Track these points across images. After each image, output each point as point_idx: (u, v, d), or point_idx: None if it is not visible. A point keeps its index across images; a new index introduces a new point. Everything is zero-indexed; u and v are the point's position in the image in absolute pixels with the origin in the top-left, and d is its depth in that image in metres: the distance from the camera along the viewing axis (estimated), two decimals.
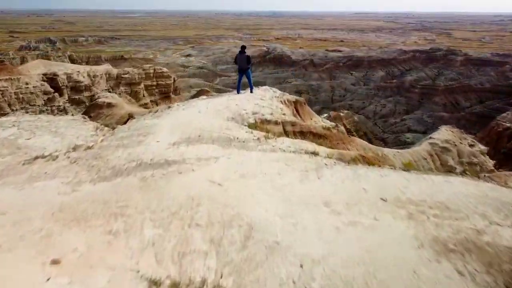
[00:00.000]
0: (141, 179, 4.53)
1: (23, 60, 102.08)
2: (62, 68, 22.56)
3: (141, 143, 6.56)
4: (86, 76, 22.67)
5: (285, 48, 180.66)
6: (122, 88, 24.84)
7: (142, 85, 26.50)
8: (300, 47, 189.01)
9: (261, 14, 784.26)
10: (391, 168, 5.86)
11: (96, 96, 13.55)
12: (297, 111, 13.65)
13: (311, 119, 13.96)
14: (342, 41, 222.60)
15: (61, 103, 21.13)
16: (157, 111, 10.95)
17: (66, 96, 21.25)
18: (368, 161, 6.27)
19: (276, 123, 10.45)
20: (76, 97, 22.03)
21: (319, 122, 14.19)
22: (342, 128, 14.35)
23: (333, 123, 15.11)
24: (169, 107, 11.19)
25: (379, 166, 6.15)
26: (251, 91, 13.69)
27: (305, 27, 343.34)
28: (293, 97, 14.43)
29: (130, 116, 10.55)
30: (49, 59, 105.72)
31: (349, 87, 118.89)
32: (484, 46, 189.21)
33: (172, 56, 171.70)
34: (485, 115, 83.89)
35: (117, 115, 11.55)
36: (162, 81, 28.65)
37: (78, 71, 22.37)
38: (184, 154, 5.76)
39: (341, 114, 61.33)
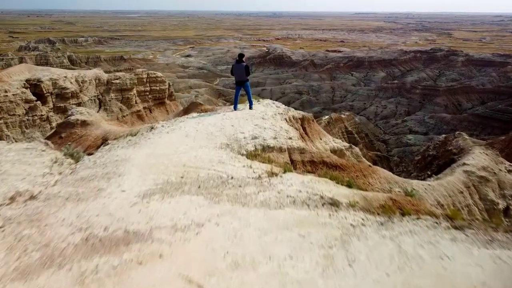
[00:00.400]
0: (78, 278, 2.94)
1: (21, 61, 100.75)
2: (48, 74, 20.58)
3: (100, 193, 4.91)
4: (74, 81, 20.84)
5: (285, 49, 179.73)
6: (112, 95, 23.05)
7: (134, 91, 24.67)
8: (301, 48, 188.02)
9: (261, 14, 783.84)
10: (436, 223, 4.30)
11: (69, 112, 11.72)
12: (304, 129, 11.57)
13: (321, 139, 11.79)
14: (342, 41, 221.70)
15: (43, 112, 19.41)
16: (137, 132, 9.20)
17: (50, 104, 19.47)
18: (400, 207, 4.70)
19: (280, 150, 8.60)
20: (62, 105, 20.18)
21: (329, 142, 12.10)
22: (357, 150, 12.26)
23: (346, 144, 12.95)
24: (152, 127, 9.33)
25: (418, 215, 4.59)
26: (250, 107, 11.72)
27: (305, 28, 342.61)
28: (299, 113, 12.35)
29: (104, 140, 8.74)
30: (48, 60, 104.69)
31: (350, 88, 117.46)
32: (484, 46, 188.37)
33: (172, 57, 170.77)
34: (487, 117, 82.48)
35: (92, 136, 9.60)
36: (156, 86, 26.80)
37: (65, 76, 20.53)
38: (154, 218, 4.17)
39: (343, 116, 59.82)
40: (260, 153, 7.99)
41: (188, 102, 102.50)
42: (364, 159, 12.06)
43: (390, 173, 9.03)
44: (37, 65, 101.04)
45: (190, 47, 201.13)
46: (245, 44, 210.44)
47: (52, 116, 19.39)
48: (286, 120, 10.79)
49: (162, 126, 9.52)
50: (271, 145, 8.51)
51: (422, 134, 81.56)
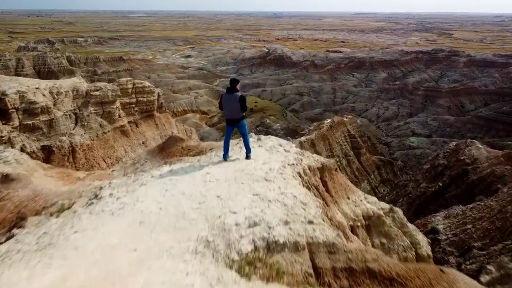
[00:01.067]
0: None
1: (19, 61, 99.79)
2: (15, 85, 17.75)
3: None
4: (47, 93, 18.19)
5: (286, 49, 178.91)
6: (91, 108, 20.03)
7: (117, 104, 21.76)
8: (301, 48, 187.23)
9: (261, 14, 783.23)
10: None
11: None
12: (324, 184, 8.36)
13: (348, 198, 8.59)
14: (343, 41, 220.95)
15: (4, 133, 16.38)
16: (71, 205, 6.06)
17: (16, 122, 16.68)
18: None
19: (296, 248, 5.12)
20: (30, 122, 17.55)
21: (361, 202, 8.83)
22: (400, 214, 9.04)
23: (384, 206, 9.41)
24: (96, 196, 6.20)
25: None
26: (247, 156, 7.94)
27: (305, 28, 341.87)
28: (317, 160, 8.55)
29: (20, 219, 5.75)
30: (46, 60, 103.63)
31: (351, 89, 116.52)
32: (486, 47, 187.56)
33: (171, 57, 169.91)
34: (491, 119, 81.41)
35: (13, 202, 6.85)
36: (144, 97, 23.97)
37: (37, 88, 17.55)
38: None
39: (345, 119, 58.67)
40: (263, 256, 4.86)
41: (188, 104, 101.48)
42: (409, 225, 8.47)
43: (474, 282, 5.53)
44: (35, 66, 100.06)
45: (190, 48, 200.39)
46: (245, 45, 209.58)
47: (15, 137, 16.62)
48: (300, 176, 7.41)
49: (110, 195, 6.16)
50: (281, 241, 5.06)
51: (425, 136, 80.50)
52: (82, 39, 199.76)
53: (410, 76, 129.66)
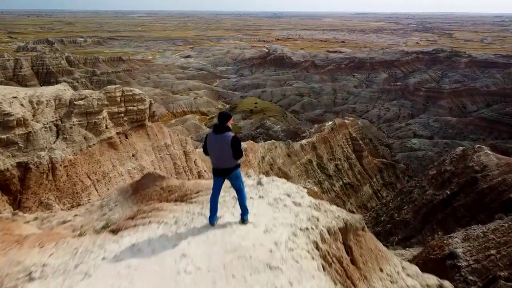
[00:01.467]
0: None
1: (17, 62, 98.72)
2: None
3: None
4: (26, 103, 16.46)
5: (286, 49, 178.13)
6: (74, 119, 18.41)
7: (104, 114, 20.15)
8: (301, 48, 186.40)
9: (261, 14, 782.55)
10: None
11: None
12: (349, 251, 6.14)
13: (381, 270, 6.38)
14: (343, 42, 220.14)
15: None
16: None
17: None
18: None
19: None
20: (3, 136, 15.55)
21: (398, 277, 6.46)
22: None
23: (431, 279, 6.87)
24: None
25: None
26: (243, 220, 5.60)
27: (305, 28, 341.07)
28: (338, 217, 6.19)
29: None
30: (44, 61, 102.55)
31: (352, 90, 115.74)
32: (486, 47, 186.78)
33: (171, 57, 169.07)
34: (494, 120, 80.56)
35: None
36: (134, 106, 21.87)
37: (15, 97, 15.94)
38: None
39: (346, 121, 57.97)
40: None
41: (188, 105, 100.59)
42: None
43: None
44: (33, 66, 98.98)
45: (190, 48, 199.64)
46: (245, 45, 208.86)
47: None
48: (317, 247, 5.17)
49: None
50: None
51: (426, 138, 79.69)
52: (81, 39, 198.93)
53: (411, 77, 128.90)
